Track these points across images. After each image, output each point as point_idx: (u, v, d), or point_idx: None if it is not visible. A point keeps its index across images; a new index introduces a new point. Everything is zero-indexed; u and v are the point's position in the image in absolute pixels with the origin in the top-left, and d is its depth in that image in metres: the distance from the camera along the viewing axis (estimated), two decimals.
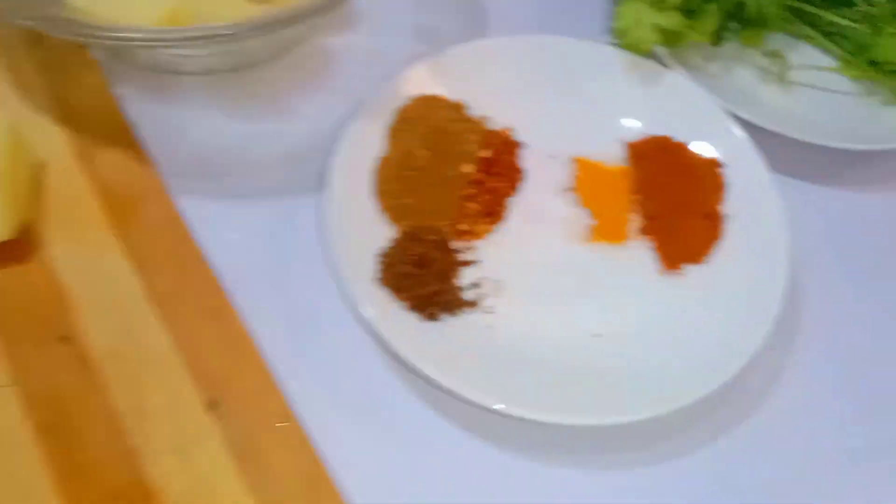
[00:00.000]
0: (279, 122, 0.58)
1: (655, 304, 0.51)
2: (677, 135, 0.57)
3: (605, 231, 0.54)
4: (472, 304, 0.50)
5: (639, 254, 0.53)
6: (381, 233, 0.51)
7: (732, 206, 0.54)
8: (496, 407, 0.44)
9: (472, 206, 0.53)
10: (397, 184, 0.52)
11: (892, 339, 0.53)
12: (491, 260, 0.52)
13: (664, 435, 0.47)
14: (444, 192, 0.53)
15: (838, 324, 0.53)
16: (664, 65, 0.59)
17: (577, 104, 0.58)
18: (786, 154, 0.59)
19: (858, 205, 0.58)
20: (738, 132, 0.55)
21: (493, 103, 0.57)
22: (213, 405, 0.46)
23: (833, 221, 0.57)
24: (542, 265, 0.52)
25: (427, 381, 0.45)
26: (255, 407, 0.46)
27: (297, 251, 0.52)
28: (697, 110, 0.57)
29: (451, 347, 0.47)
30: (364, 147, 0.53)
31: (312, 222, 0.53)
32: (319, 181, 0.53)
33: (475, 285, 0.51)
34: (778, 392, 0.50)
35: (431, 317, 0.48)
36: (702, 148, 0.56)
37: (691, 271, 0.52)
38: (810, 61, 0.64)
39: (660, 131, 0.57)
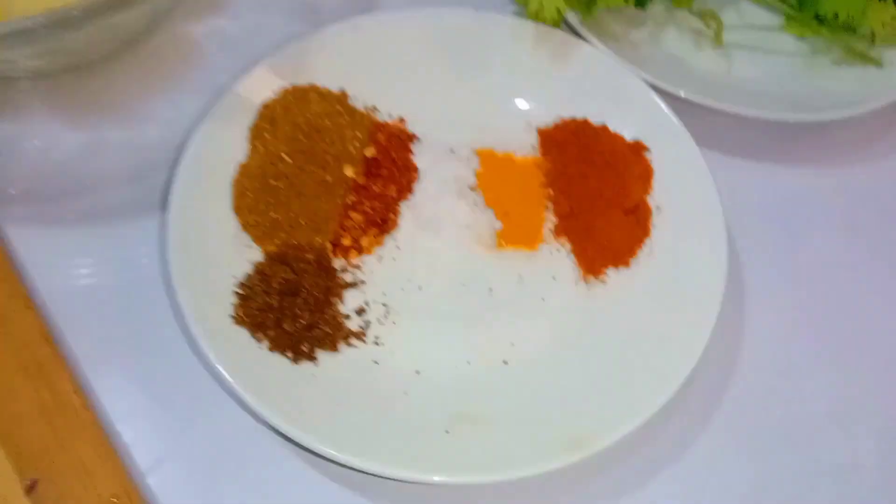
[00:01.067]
0: (127, 129, 0.49)
1: (575, 320, 0.43)
2: (595, 117, 0.48)
3: (515, 235, 0.46)
4: (356, 335, 0.41)
5: (554, 260, 0.45)
6: (242, 257, 0.42)
7: (661, 196, 0.46)
8: (386, 473, 0.36)
9: (356, 217, 0.45)
10: (261, 196, 0.43)
11: (842, 338, 0.45)
12: (380, 279, 0.43)
13: (582, 478, 0.39)
14: (321, 203, 0.44)
15: (786, 329, 0.45)
16: (578, 35, 0.50)
17: (478, 87, 0.50)
18: (723, 131, 0.51)
19: (809, 185, 0.51)
20: (666, 110, 0.47)
21: (381, 91, 0.49)
22: (32, 487, 0.37)
23: (780, 206, 0.50)
24: (442, 281, 0.44)
25: (300, 444, 0.37)
26: (83, 485, 0.37)
27: (142, 286, 0.43)
28: (618, 87, 0.49)
29: (328, 396, 0.38)
30: (218, 153, 0.44)
31: (159, 245, 0.44)
32: (166, 198, 0.44)
33: (360, 311, 0.42)
34: (718, 418, 0.42)
35: (302, 357, 0.39)
36: (624, 130, 0.48)
37: (616, 277, 0.44)
38: (749, 20, 0.56)
39: (575, 113, 0.49)
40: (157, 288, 0.43)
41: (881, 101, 0.50)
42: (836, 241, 0.48)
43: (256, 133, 0.45)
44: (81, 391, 0.39)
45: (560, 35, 0.50)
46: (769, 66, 0.54)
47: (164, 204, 0.44)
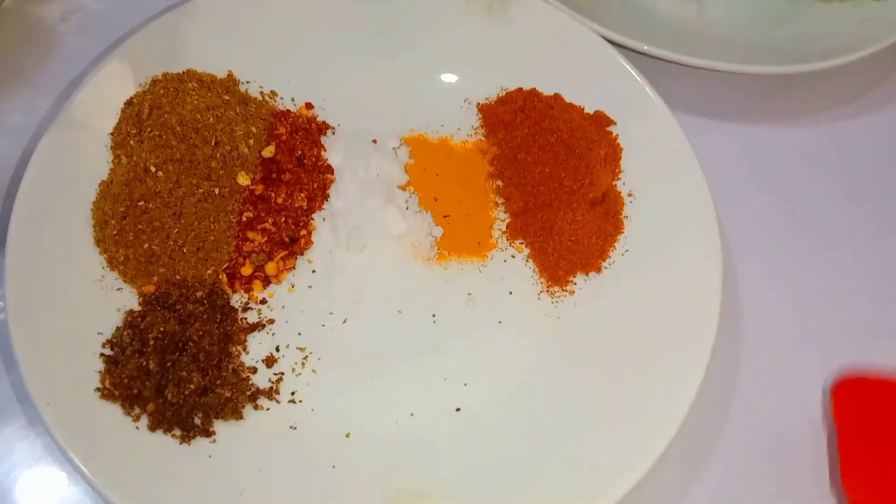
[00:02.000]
0: None
1: (540, 347, 0.34)
2: (546, 85, 0.39)
3: (459, 243, 0.37)
4: (266, 393, 0.32)
5: (509, 270, 0.36)
6: (110, 305, 0.33)
7: (633, 180, 0.38)
8: None
9: (256, 237, 0.35)
10: (128, 223, 0.34)
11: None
12: (293, 315, 0.34)
13: None
14: (208, 223, 0.35)
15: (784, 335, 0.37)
16: None
17: (401, 59, 0.40)
18: (694, 89, 0.43)
19: (800, 144, 0.43)
20: (631, 70, 0.39)
21: (280, 71, 0.39)
22: None
23: (769, 173, 0.42)
24: (371, 310, 0.35)
25: None
26: None
27: None
28: (569, 45, 0.40)
29: (231, 481, 0.30)
30: (70, 170, 0.34)
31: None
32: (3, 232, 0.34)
33: (270, 362, 0.33)
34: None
35: (194, 434, 0.30)
36: (582, 99, 0.39)
37: (586, 286, 0.36)
38: None
39: (521, 83, 0.40)
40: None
41: (881, 43, 0.42)
42: (838, 209, 0.41)
43: (120, 139, 0.35)
44: None
45: None
46: (746, 7, 0.45)
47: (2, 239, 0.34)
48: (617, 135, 0.38)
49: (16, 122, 0.40)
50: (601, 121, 0.39)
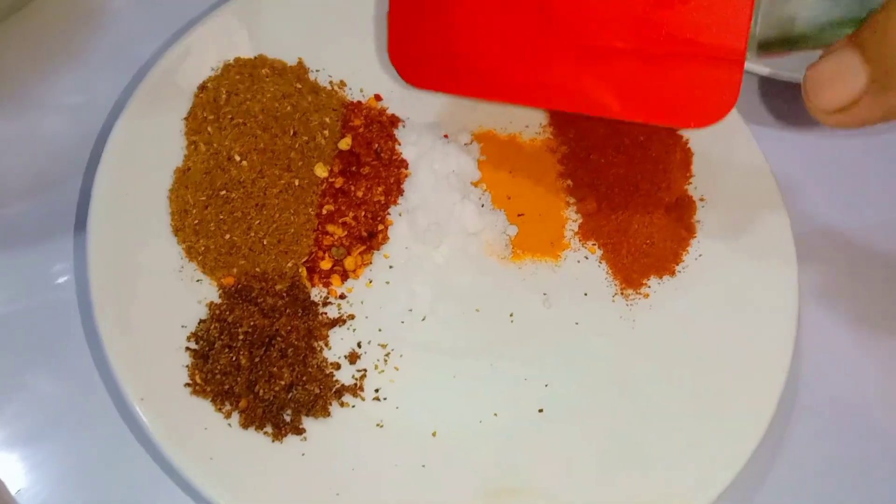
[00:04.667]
0: (21, 121, 0.37)
1: (618, 348, 0.35)
2: None
3: (531, 243, 0.37)
4: (350, 390, 0.32)
5: (583, 271, 0.36)
6: (191, 297, 0.32)
7: (704, 185, 0.38)
8: None
9: (336, 231, 0.35)
10: (209, 212, 0.33)
11: None
12: (373, 311, 0.34)
13: None
14: (289, 215, 0.34)
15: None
16: None
17: None
18: (755, 97, 0.43)
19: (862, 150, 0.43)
20: None
21: (350, 59, 0.38)
22: None
23: (841, 184, 0.42)
24: (450, 307, 0.35)
25: None
26: None
27: (58, 329, 0.32)
28: None
29: (324, 479, 0.29)
30: (148, 153, 0.33)
31: (73, 281, 0.33)
32: (83, 211, 0.33)
33: (353, 358, 0.33)
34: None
35: (286, 431, 0.30)
36: None
37: (660, 289, 0.36)
38: None
39: None
40: (76, 327, 0.32)
41: None
42: None
43: (196, 126, 0.34)
44: None
45: None
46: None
47: (80, 219, 0.33)
48: (688, 139, 0.39)
49: (75, 102, 0.38)
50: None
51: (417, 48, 0.35)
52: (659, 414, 0.33)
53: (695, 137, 0.39)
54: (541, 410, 0.33)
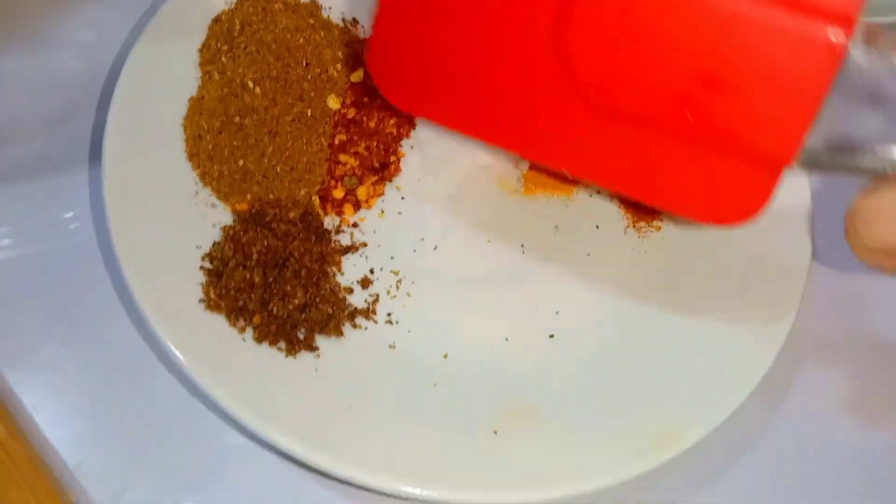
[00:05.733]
0: (35, 58, 0.38)
1: (630, 277, 0.35)
2: None
3: (543, 178, 0.37)
4: (363, 313, 0.32)
5: (595, 204, 0.36)
6: (204, 220, 0.32)
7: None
8: (426, 496, 0.28)
9: (348, 160, 0.35)
10: (222, 137, 0.33)
11: None
12: (385, 239, 0.34)
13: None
14: (302, 144, 0.34)
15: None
16: None
17: None
18: None
19: None
20: None
21: None
22: None
23: None
24: (461, 237, 0.35)
25: (306, 463, 0.28)
26: None
27: (74, 259, 0.33)
28: None
29: (336, 395, 0.30)
30: (162, 83, 0.34)
31: (93, 207, 0.34)
32: (97, 147, 0.33)
33: (365, 283, 0.33)
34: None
35: (299, 347, 0.30)
36: None
37: (672, 222, 0.36)
38: None
39: None
40: (94, 260, 0.33)
41: None
42: None
43: (210, 56, 0.35)
44: (5, 413, 0.29)
45: None
46: None
47: (94, 154, 0.33)
48: None
49: (86, 38, 0.39)
50: None
51: (404, 66, 0.30)
52: (668, 341, 0.33)
53: None
54: (551, 336, 0.33)
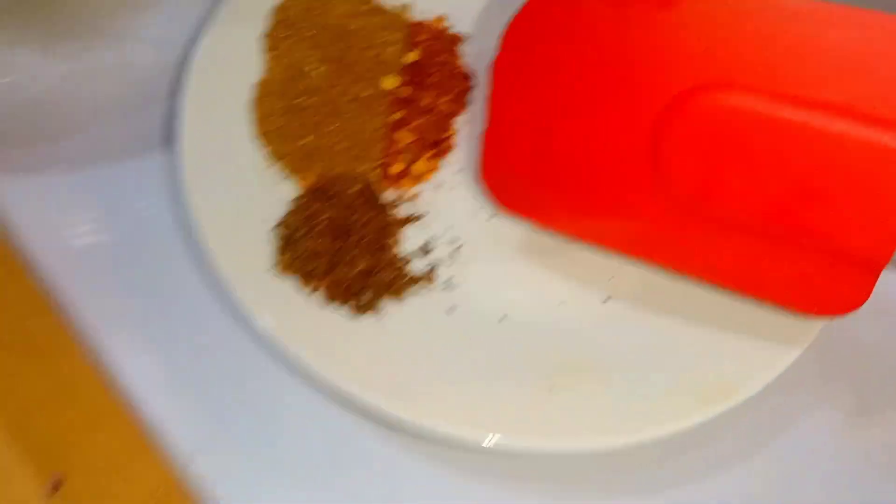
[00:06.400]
0: (114, 53, 0.40)
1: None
2: None
3: None
4: (423, 279, 0.34)
5: None
6: (273, 194, 0.34)
7: None
8: (489, 443, 0.29)
9: (405, 137, 0.37)
10: (288, 118, 0.35)
11: None
12: (443, 210, 0.36)
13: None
14: (361, 122, 0.36)
15: None
16: None
17: None
18: None
19: None
20: None
21: None
22: (56, 487, 0.30)
23: None
24: None
25: (373, 413, 0.30)
26: (115, 480, 0.30)
27: (154, 238, 0.35)
28: None
29: (401, 353, 0.31)
30: (229, 70, 0.36)
31: (167, 190, 0.36)
32: (169, 134, 0.36)
33: (425, 251, 0.35)
34: None
35: (365, 308, 0.32)
36: None
37: None
38: None
39: None
40: (173, 238, 0.35)
41: None
42: None
43: (274, 42, 0.37)
44: (100, 368, 0.31)
45: None
46: None
47: (168, 139, 0.36)
48: None
49: (159, 32, 0.41)
50: None
51: (513, 172, 0.32)
52: (719, 301, 0.33)
53: None
54: (607, 299, 0.34)
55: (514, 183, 0.33)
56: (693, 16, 0.28)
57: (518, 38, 0.31)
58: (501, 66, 0.32)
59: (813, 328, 0.32)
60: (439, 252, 0.35)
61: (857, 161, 0.27)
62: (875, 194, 0.27)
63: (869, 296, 0.28)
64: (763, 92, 0.27)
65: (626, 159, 0.30)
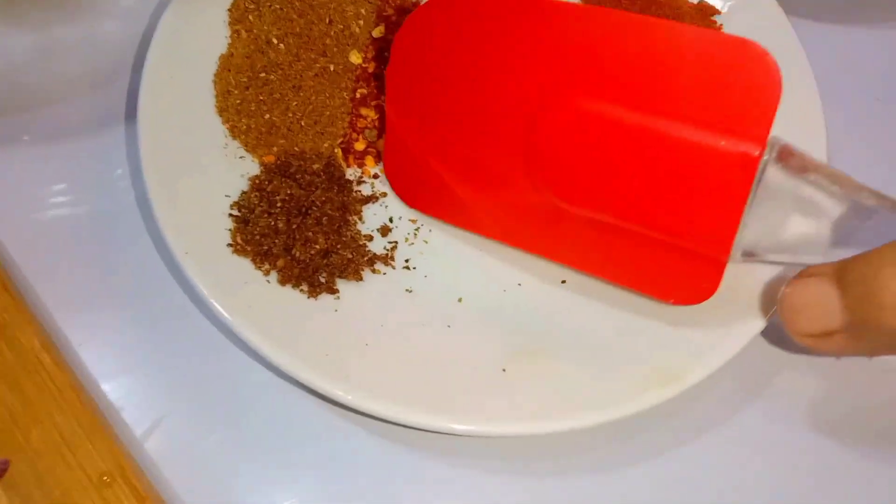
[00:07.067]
0: (80, 25, 0.40)
1: None
2: None
3: None
4: (382, 259, 0.34)
5: None
6: (234, 172, 0.34)
7: None
8: (435, 426, 0.29)
9: (369, 114, 0.37)
10: (250, 92, 0.35)
11: None
12: None
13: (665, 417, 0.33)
14: (325, 97, 0.36)
15: None
16: None
17: None
18: None
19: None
20: None
21: None
22: (2, 470, 0.30)
23: (863, 71, 0.42)
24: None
25: (329, 396, 0.30)
26: (65, 463, 0.30)
27: (117, 214, 0.35)
28: None
29: (355, 335, 0.31)
30: (192, 43, 0.36)
31: (131, 165, 0.36)
32: (133, 107, 0.35)
33: (384, 231, 0.35)
34: None
35: (320, 290, 0.32)
36: None
37: None
38: None
39: None
40: (135, 215, 0.35)
41: None
42: None
43: (238, 15, 0.36)
44: (52, 347, 0.32)
45: None
46: None
47: (130, 114, 0.36)
48: (721, 24, 0.38)
49: (127, 4, 0.41)
50: (706, 10, 0.39)
51: (409, 173, 0.34)
52: None
53: (729, 24, 0.39)
54: (563, 282, 0.34)
55: (411, 181, 0.35)
56: (567, 27, 0.30)
57: (407, 44, 0.33)
58: (393, 72, 0.33)
59: (764, 316, 0.32)
60: (399, 232, 0.35)
61: (692, 164, 0.29)
62: (708, 195, 0.29)
63: (717, 287, 0.30)
64: (615, 99, 0.29)
65: (503, 159, 0.32)
